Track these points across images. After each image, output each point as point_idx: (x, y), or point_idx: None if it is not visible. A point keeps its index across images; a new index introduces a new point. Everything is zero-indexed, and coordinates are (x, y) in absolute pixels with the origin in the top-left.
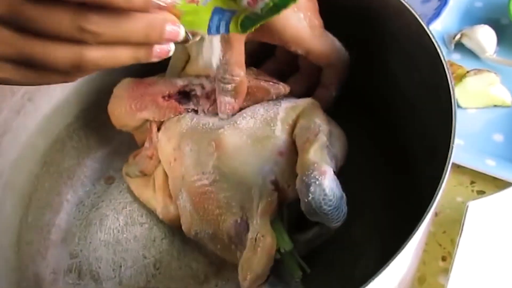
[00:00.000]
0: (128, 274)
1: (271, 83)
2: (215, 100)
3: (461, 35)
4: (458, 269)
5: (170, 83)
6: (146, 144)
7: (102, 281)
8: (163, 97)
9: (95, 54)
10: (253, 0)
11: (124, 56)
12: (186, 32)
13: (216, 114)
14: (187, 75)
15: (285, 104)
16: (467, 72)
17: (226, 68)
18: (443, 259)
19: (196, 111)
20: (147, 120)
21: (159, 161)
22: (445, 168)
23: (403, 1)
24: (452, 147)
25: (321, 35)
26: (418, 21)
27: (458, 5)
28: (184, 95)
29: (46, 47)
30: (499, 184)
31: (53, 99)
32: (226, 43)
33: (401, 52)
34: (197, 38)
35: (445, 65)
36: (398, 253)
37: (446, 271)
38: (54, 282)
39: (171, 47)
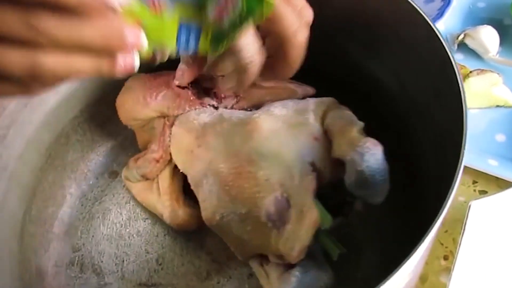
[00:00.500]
0: (130, 269)
1: (297, 84)
2: (239, 97)
3: (464, 35)
4: (460, 268)
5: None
6: (154, 147)
7: (104, 275)
8: (181, 86)
9: (52, 60)
10: (220, 13)
11: (84, 65)
12: (154, 51)
13: (242, 109)
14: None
15: (312, 100)
16: (470, 72)
17: None
18: (445, 258)
19: (216, 108)
20: (157, 117)
21: (165, 165)
22: (454, 180)
23: (414, 5)
24: (462, 156)
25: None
26: (429, 24)
27: (461, 6)
28: (202, 89)
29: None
30: (501, 184)
31: (59, 92)
32: None
33: (410, 55)
34: (166, 58)
35: (455, 69)
36: (406, 261)
37: (448, 270)
38: (57, 275)
39: (136, 61)
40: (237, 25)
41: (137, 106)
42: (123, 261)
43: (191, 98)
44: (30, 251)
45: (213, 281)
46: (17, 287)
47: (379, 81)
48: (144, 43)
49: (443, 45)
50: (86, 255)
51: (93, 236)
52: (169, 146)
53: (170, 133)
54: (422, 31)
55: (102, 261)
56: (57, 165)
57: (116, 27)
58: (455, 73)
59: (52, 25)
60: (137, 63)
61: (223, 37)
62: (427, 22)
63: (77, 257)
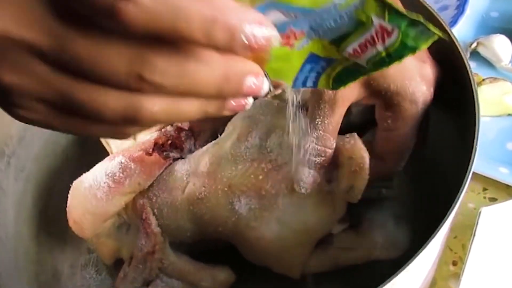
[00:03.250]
0: None
1: None
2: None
3: (477, 43)
4: (469, 274)
5: (144, 144)
6: (142, 241)
7: None
8: (148, 153)
9: (154, 107)
10: (361, 49)
11: (189, 110)
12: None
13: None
14: None
15: None
16: (483, 80)
17: (320, 136)
18: (454, 263)
19: (181, 157)
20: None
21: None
22: (462, 186)
23: (431, 10)
24: (473, 160)
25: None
26: (441, 23)
27: (474, 14)
28: (167, 146)
29: (92, 93)
30: (511, 192)
31: None
32: (330, 105)
33: None
34: (278, 91)
35: (470, 74)
36: (411, 261)
37: (457, 276)
38: (72, 276)
39: (249, 101)
40: (379, 64)
41: (100, 202)
42: None
43: (157, 159)
44: (46, 251)
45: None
46: (32, 287)
47: None
48: (265, 90)
49: (458, 50)
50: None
51: None
52: (158, 225)
53: (154, 211)
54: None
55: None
56: (73, 167)
57: (237, 76)
58: (469, 77)
59: (163, 75)
60: (250, 102)
61: (355, 73)
62: (444, 27)
63: (92, 258)
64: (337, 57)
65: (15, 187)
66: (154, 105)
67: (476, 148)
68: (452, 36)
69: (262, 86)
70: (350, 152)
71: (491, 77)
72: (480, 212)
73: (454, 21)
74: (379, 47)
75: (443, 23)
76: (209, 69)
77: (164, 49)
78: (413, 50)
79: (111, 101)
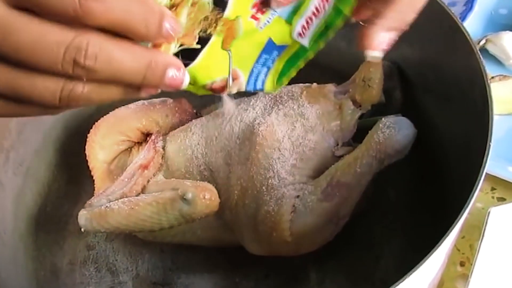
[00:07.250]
0: (145, 268)
1: None
2: None
3: (486, 40)
4: (478, 275)
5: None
6: (140, 156)
7: (118, 273)
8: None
9: (85, 91)
10: (307, 23)
11: (115, 93)
12: (228, 79)
13: None
14: None
15: None
16: (492, 78)
17: None
18: (462, 264)
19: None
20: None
21: (156, 171)
22: (477, 180)
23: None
24: (486, 160)
25: None
26: (452, 18)
27: (483, 11)
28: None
29: (32, 80)
30: None
31: None
32: None
33: (433, 50)
34: (235, 89)
35: (480, 63)
36: (420, 265)
37: (464, 276)
38: (71, 272)
39: (185, 81)
40: (319, 38)
41: (131, 115)
42: (138, 259)
43: (189, 106)
44: (45, 248)
45: (229, 280)
46: (31, 283)
47: (401, 80)
48: (185, 83)
49: (471, 46)
50: (100, 253)
51: (108, 234)
52: (163, 148)
53: (164, 141)
54: (445, 26)
55: (116, 260)
56: (73, 162)
57: (160, 67)
58: (482, 74)
59: (97, 61)
60: (185, 82)
61: (293, 63)
62: (455, 22)
63: (91, 255)
64: (288, 42)
65: (14, 182)
66: (84, 89)
67: (490, 146)
68: (464, 31)
69: (182, 79)
70: None
71: (501, 75)
72: (489, 212)
73: (462, 18)
74: (321, 17)
75: (454, 18)
76: (138, 59)
77: (96, 38)
78: (341, 14)
79: (48, 87)
